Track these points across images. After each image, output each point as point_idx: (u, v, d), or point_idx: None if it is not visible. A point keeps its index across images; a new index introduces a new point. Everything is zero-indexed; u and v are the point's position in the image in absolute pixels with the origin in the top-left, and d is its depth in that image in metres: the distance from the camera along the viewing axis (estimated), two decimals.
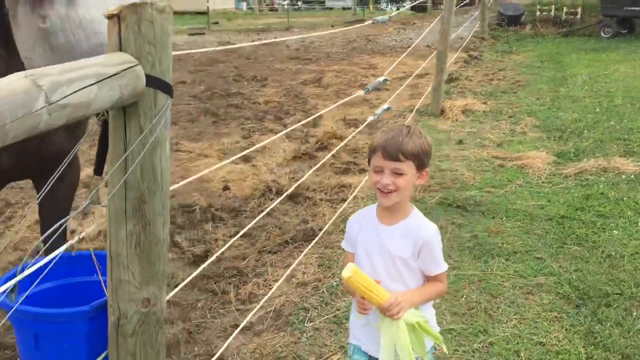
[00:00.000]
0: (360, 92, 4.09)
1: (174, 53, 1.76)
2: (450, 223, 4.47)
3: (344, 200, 5.12)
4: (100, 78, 1.38)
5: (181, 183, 2.84)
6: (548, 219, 4.47)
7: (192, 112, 8.74)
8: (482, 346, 3.03)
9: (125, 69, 1.48)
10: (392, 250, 2.07)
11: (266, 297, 3.58)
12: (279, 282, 3.80)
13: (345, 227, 2.27)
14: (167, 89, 1.62)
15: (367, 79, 10.47)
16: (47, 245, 1.86)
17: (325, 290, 3.67)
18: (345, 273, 1.94)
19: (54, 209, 2.90)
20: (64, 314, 1.73)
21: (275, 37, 17.39)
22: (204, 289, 3.82)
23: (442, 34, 7.36)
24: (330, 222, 4.64)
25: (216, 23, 25.06)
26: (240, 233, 3.77)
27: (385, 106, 4.92)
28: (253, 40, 16.84)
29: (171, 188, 1.89)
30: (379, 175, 2.02)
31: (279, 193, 5.31)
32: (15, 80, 1.18)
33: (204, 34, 20.79)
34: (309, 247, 4.27)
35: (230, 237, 4.51)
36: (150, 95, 1.60)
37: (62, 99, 1.26)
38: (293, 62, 12.91)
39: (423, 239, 2.05)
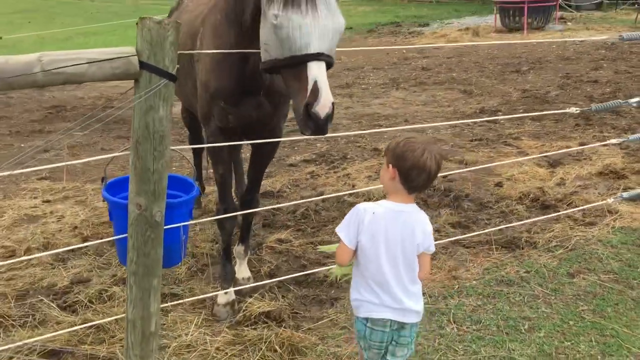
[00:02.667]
0: None
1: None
2: None
3: (592, 224, 4.73)
4: (91, 61, 2.40)
5: None
6: None
7: (567, 113, 8.55)
8: None
9: (118, 58, 2.45)
10: None
11: None
12: (433, 269, 4.11)
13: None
14: (161, 73, 2.50)
15: None
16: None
17: (458, 287, 3.84)
18: None
19: (258, 160, 3.98)
20: (116, 203, 2.87)
21: None
22: None
23: None
24: (546, 238, 4.49)
25: None
26: None
27: None
28: None
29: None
30: None
31: (535, 200, 5.25)
32: (26, 56, 2.31)
33: None
34: (500, 253, 4.33)
35: (450, 224, 4.89)
36: (147, 76, 2.51)
37: (55, 69, 2.34)
38: None
39: None
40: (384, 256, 2.42)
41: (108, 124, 8.84)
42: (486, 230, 4.43)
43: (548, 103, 9.22)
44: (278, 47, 2.68)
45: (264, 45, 2.78)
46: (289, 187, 5.94)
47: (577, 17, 24.13)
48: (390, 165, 2.41)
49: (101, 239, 4.55)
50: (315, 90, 2.57)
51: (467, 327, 3.38)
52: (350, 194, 5.62)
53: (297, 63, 2.61)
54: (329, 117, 2.60)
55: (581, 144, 6.94)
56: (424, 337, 3.34)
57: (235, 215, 3.83)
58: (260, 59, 3.19)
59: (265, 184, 5.97)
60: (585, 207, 4.70)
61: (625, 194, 4.46)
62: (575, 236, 4.50)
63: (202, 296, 3.61)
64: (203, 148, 4.53)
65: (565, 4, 23.43)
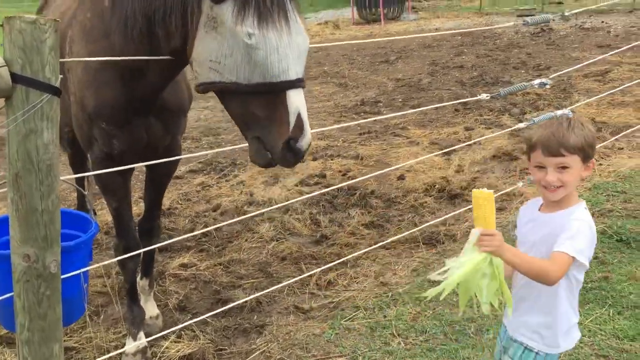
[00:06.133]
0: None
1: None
2: (593, 258, 3.79)
3: (501, 209, 4.70)
4: None
5: None
6: None
7: (444, 98, 8.72)
8: None
9: None
10: (543, 239, 2.03)
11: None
12: (360, 277, 3.82)
13: None
14: (41, 86, 1.94)
15: None
16: None
17: (391, 295, 3.58)
18: (479, 190, 2.00)
19: (155, 182, 3.42)
20: None
21: (601, 22, 15.69)
22: (299, 267, 4.07)
23: None
24: (464, 229, 4.37)
25: (560, 3, 23.54)
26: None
27: (560, 112, 4.30)
28: (574, 26, 15.47)
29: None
30: (541, 171, 2.03)
31: (442, 191, 5.14)
32: None
33: (533, 15, 19.78)
34: (423, 251, 4.14)
35: (363, 225, 4.63)
36: (22, 91, 1.94)
37: None
38: (597, 50, 11.54)
39: (565, 224, 1.98)
40: None
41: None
42: (405, 234, 4.16)
43: (424, 90, 9.33)
44: (244, 69, 2.20)
45: (211, 63, 2.27)
46: (180, 202, 5.39)
47: (425, 6, 25.23)
48: (593, 160, 2.05)
49: None
50: (300, 123, 2.18)
51: (413, 339, 3.11)
52: (250, 204, 5.20)
53: (274, 91, 2.18)
54: (310, 146, 2.26)
55: (467, 129, 7.02)
56: (370, 357, 3.03)
57: (137, 250, 3.25)
58: (160, 72, 2.69)
59: None
60: (498, 194, 4.62)
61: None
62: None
63: (109, 355, 2.99)
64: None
65: None
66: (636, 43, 9.79)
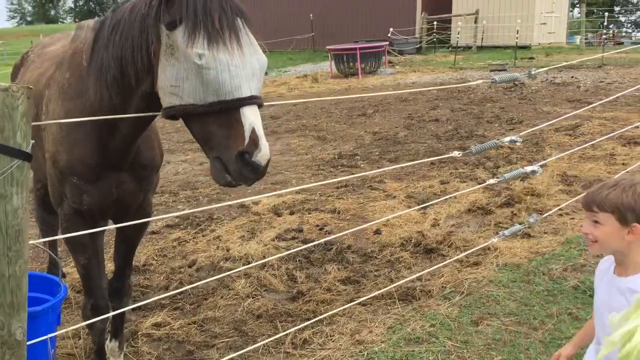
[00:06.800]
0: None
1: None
2: (567, 314, 3.82)
3: (476, 264, 4.73)
4: None
5: None
6: None
7: (420, 152, 8.85)
8: None
9: None
10: (612, 304, 2.04)
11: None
12: (335, 336, 3.79)
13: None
14: (12, 152, 1.95)
15: (638, 131, 9.10)
16: None
17: (367, 354, 3.55)
18: None
19: (125, 242, 3.41)
20: None
21: (570, 77, 16.17)
22: (274, 325, 4.03)
23: None
24: (439, 285, 4.38)
25: (531, 59, 24.21)
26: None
27: (529, 168, 4.39)
28: (545, 81, 15.94)
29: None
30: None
31: (418, 245, 5.17)
32: None
33: (505, 70, 20.37)
34: (399, 307, 4.13)
35: (339, 281, 4.62)
36: None
37: None
38: (567, 104, 11.87)
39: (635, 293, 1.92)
40: None
41: None
42: (381, 291, 4.17)
43: (400, 144, 9.47)
44: (198, 90, 2.29)
45: (171, 88, 2.37)
46: (156, 258, 5.34)
47: (402, 60, 25.78)
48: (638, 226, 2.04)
49: None
50: (255, 138, 2.24)
51: None
52: (227, 259, 5.17)
53: (228, 109, 2.25)
54: (268, 162, 2.31)
55: (442, 182, 7.11)
56: None
57: (106, 310, 3.19)
58: (134, 123, 2.73)
59: None
60: (473, 249, 4.66)
61: (507, 232, 4.48)
62: (465, 279, 4.43)
63: None
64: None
65: (390, 49, 24.93)
66: (607, 99, 10.14)
